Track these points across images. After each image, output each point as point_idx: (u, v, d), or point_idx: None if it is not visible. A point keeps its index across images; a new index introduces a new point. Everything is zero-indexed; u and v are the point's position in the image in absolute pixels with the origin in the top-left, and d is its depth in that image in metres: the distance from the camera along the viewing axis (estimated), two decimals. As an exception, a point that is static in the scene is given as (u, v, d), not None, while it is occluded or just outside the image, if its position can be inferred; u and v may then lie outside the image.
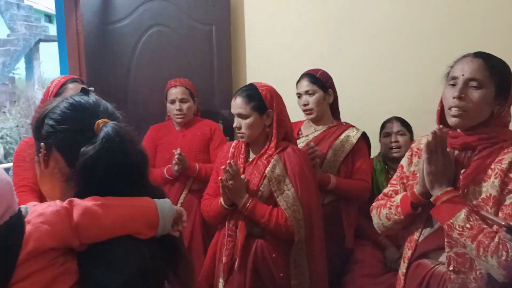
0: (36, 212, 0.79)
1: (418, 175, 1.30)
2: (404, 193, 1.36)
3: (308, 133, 2.17)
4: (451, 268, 1.21)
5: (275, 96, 1.80)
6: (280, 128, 1.79)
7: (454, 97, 1.23)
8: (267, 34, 2.90)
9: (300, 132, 2.22)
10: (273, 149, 1.76)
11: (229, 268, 1.75)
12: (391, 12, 2.58)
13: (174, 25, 2.88)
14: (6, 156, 7.90)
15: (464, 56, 1.27)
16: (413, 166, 1.38)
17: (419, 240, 1.33)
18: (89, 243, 0.81)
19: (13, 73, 10.94)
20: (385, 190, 1.47)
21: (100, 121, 0.86)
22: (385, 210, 1.39)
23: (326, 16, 2.74)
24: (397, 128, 2.28)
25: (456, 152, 1.29)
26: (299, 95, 2.14)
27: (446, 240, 1.23)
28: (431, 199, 1.24)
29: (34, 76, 10.99)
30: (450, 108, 1.25)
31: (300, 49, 2.80)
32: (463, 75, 1.23)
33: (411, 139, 2.26)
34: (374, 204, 1.47)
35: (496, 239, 1.10)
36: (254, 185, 1.73)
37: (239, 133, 1.78)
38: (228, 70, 2.92)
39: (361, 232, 2.21)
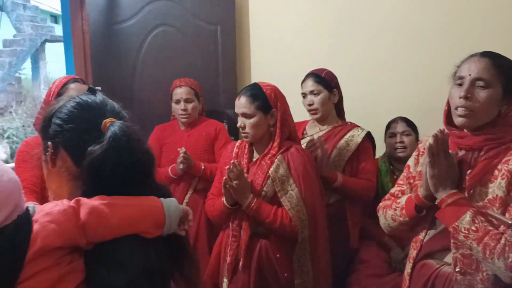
0: (43, 211, 0.79)
1: (422, 178, 1.30)
2: (409, 195, 1.36)
3: (313, 133, 2.17)
4: (457, 269, 1.21)
5: (279, 96, 1.80)
6: (284, 128, 1.78)
7: (460, 97, 1.22)
8: (272, 33, 2.90)
9: (305, 132, 2.22)
10: (276, 148, 1.75)
11: (234, 268, 1.75)
12: (397, 12, 2.57)
13: (179, 25, 2.89)
14: (13, 155, 7.96)
15: (471, 56, 1.27)
16: (420, 166, 1.38)
17: (424, 240, 1.33)
18: (95, 242, 0.81)
19: (19, 73, 11.00)
20: (392, 190, 1.46)
21: (107, 120, 0.87)
22: (390, 211, 1.39)
23: (331, 16, 2.73)
24: (402, 129, 2.27)
25: (463, 152, 1.28)
26: (304, 95, 2.14)
27: (452, 241, 1.22)
28: (436, 202, 1.23)
29: (40, 76, 11.04)
30: (456, 108, 1.24)
31: (305, 48, 2.80)
32: (470, 74, 1.22)
33: (417, 139, 2.25)
34: (381, 204, 1.47)
35: (503, 240, 1.10)
36: (258, 185, 1.73)
37: (243, 132, 1.77)
38: (233, 70, 2.92)
39: (366, 232, 2.20)
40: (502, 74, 1.21)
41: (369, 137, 2.14)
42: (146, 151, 0.90)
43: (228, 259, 1.75)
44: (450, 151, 1.25)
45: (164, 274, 0.88)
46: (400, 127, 2.27)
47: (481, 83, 1.21)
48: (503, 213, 1.15)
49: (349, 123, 2.18)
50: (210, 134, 2.44)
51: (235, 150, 1.89)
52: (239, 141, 1.93)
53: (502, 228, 1.13)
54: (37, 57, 11.16)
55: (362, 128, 2.14)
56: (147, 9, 2.88)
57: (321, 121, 2.16)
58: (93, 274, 0.80)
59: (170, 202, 0.92)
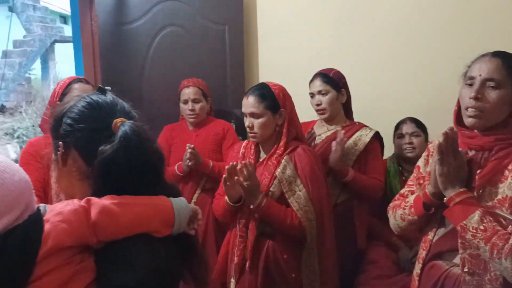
0: (54, 211, 0.80)
1: (431, 175, 1.29)
2: (418, 193, 1.35)
3: (321, 133, 2.16)
4: (465, 270, 1.20)
5: (287, 96, 1.80)
6: (291, 128, 1.78)
7: (471, 98, 1.21)
8: (280, 33, 2.89)
9: (312, 132, 2.21)
10: (282, 148, 1.75)
11: (241, 268, 1.75)
12: (407, 11, 2.56)
13: (188, 25, 2.90)
14: (22, 155, 8.01)
15: (482, 56, 1.25)
16: (429, 166, 1.37)
17: (433, 241, 1.32)
18: (106, 241, 0.82)
19: (29, 74, 11.10)
20: (402, 191, 1.46)
21: (117, 120, 0.87)
22: (400, 211, 1.38)
23: (339, 15, 2.73)
24: (412, 130, 2.24)
25: (473, 152, 1.27)
26: (312, 95, 2.14)
27: (459, 241, 1.22)
28: (444, 200, 1.23)
29: (50, 76, 11.14)
30: (467, 109, 1.23)
31: (313, 48, 2.79)
32: (480, 75, 1.21)
33: (426, 140, 2.23)
34: (390, 205, 1.46)
35: (511, 241, 1.09)
36: (265, 185, 1.71)
37: (251, 132, 1.76)
38: (240, 70, 2.93)
39: (374, 232, 2.19)
40: None
41: (377, 137, 2.13)
42: (156, 151, 0.91)
43: (235, 259, 1.75)
44: (460, 149, 1.24)
45: (173, 273, 0.89)
46: (409, 128, 2.25)
47: (492, 83, 1.20)
48: (513, 214, 1.14)
49: (357, 123, 2.17)
50: (218, 134, 2.45)
51: (242, 150, 1.88)
52: (245, 141, 1.93)
53: (510, 228, 1.12)
54: (46, 57, 11.26)
55: (370, 128, 2.13)
56: (155, 10, 2.89)
57: (329, 121, 2.16)
58: (102, 273, 0.80)
59: (179, 202, 0.92)
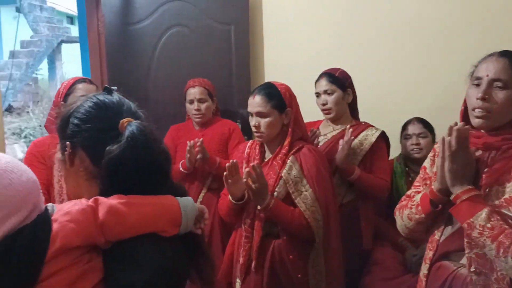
0: (62, 211, 0.80)
1: (437, 171, 1.28)
2: (424, 192, 1.35)
3: (327, 132, 2.16)
4: (472, 269, 1.19)
5: (293, 95, 1.80)
6: (296, 128, 1.78)
7: (478, 98, 1.20)
8: (286, 33, 2.89)
9: (318, 131, 2.21)
10: (287, 147, 1.74)
11: (246, 269, 1.75)
12: (413, 11, 2.54)
13: (193, 25, 2.91)
14: (30, 154, 8.06)
15: (489, 55, 1.24)
16: (436, 163, 1.36)
17: (440, 241, 1.31)
18: (114, 240, 0.82)
19: (36, 74, 11.17)
20: (408, 192, 1.45)
21: (124, 120, 0.88)
22: (406, 211, 1.38)
23: (345, 15, 2.72)
24: (419, 130, 2.22)
25: (479, 152, 1.26)
26: (318, 95, 2.14)
27: (465, 241, 1.21)
28: (451, 198, 1.22)
29: (57, 76, 11.20)
30: (474, 109, 1.22)
31: (318, 48, 2.79)
32: (487, 75, 1.20)
33: (433, 141, 2.21)
34: (397, 206, 1.45)
35: None
36: (270, 186, 1.70)
37: (258, 132, 1.75)
38: (246, 70, 2.93)
39: (380, 233, 2.18)
40: None
41: (383, 136, 2.12)
42: (163, 151, 0.91)
43: (241, 260, 1.75)
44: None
45: (180, 272, 0.89)
46: (416, 129, 2.23)
47: (499, 83, 1.19)
48: (520, 214, 1.13)
49: (363, 123, 2.16)
50: (224, 134, 2.45)
51: (247, 150, 1.88)
52: (250, 141, 1.92)
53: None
54: (53, 57, 11.33)
55: (376, 128, 2.12)
56: (161, 10, 2.90)
57: (334, 120, 2.15)
58: (110, 272, 0.80)
59: (186, 201, 0.92)
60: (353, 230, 2.04)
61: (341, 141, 1.97)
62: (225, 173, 1.66)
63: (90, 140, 0.88)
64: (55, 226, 0.77)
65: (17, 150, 7.21)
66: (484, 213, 1.13)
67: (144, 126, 0.87)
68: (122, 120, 0.87)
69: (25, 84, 10.41)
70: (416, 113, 2.31)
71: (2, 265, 0.70)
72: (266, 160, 1.82)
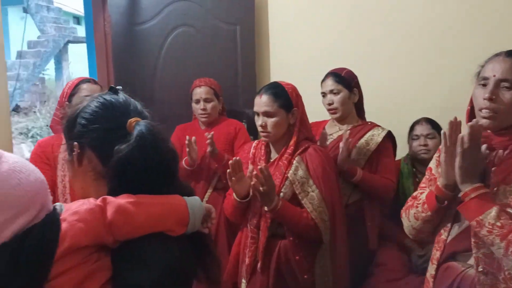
0: (70, 210, 0.80)
1: (441, 167, 1.27)
2: (430, 189, 1.34)
3: (333, 132, 2.15)
4: (480, 269, 1.19)
5: (299, 95, 1.80)
6: (302, 127, 1.77)
7: (485, 99, 1.20)
8: (291, 33, 2.89)
9: (324, 132, 2.20)
10: (292, 147, 1.74)
11: (252, 269, 1.75)
12: (420, 11, 2.53)
13: (199, 25, 2.91)
14: (37, 154, 8.12)
15: (496, 55, 1.24)
16: (440, 157, 1.35)
17: (447, 241, 1.31)
18: (122, 240, 0.83)
19: (43, 74, 11.24)
20: (414, 194, 1.44)
21: (132, 119, 0.88)
22: (413, 210, 1.37)
23: (351, 15, 2.71)
24: (427, 131, 2.20)
25: (487, 152, 1.26)
26: (324, 94, 2.13)
27: (473, 240, 1.20)
28: (460, 195, 1.21)
29: (63, 76, 11.27)
30: (481, 110, 1.22)
31: (324, 48, 2.78)
32: (494, 75, 1.20)
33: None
34: (403, 208, 1.44)
35: None
36: (276, 186, 1.69)
37: (264, 132, 1.75)
38: (252, 70, 2.93)
39: (386, 234, 2.17)
40: None
41: (389, 136, 2.11)
42: (171, 150, 0.91)
43: (247, 260, 1.75)
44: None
45: (188, 272, 0.89)
46: (424, 130, 2.21)
47: (506, 84, 1.19)
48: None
49: (369, 123, 2.16)
50: (230, 134, 2.46)
51: (252, 150, 1.87)
52: (256, 142, 1.92)
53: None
54: (60, 58, 11.41)
55: (383, 127, 2.11)
56: (167, 10, 2.91)
57: (340, 120, 2.15)
58: (118, 272, 0.80)
59: (193, 201, 0.92)
60: (359, 230, 2.04)
61: (340, 144, 1.96)
62: (228, 171, 1.66)
63: (98, 140, 0.88)
64: (63, 225, 0.77)
65: (24, 150, 7.27)
66: (494, 211, 1.13)
67: (152, 125, 0.88)
68: (130, 120, 0.88)
69: (32, 84, 10.49)
70: (423, 113, 2.30)
71: (11, 264, 0.71)
72: (271, 160, 1.81)
